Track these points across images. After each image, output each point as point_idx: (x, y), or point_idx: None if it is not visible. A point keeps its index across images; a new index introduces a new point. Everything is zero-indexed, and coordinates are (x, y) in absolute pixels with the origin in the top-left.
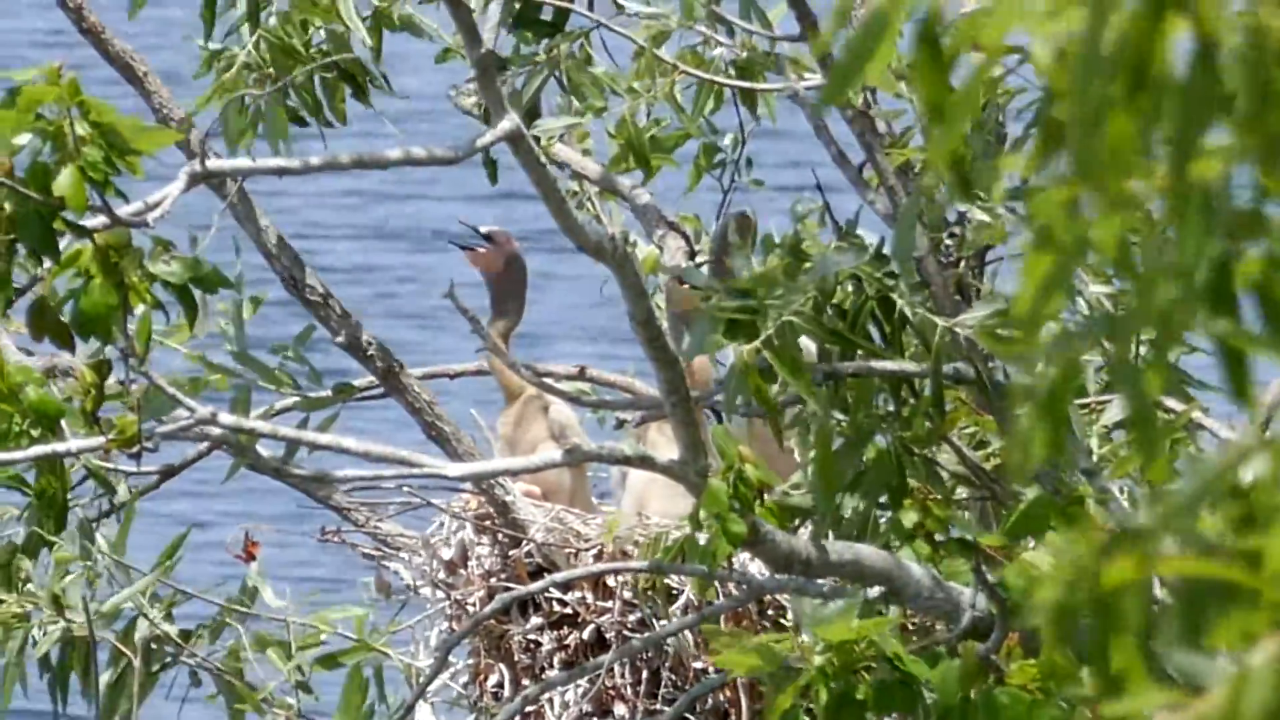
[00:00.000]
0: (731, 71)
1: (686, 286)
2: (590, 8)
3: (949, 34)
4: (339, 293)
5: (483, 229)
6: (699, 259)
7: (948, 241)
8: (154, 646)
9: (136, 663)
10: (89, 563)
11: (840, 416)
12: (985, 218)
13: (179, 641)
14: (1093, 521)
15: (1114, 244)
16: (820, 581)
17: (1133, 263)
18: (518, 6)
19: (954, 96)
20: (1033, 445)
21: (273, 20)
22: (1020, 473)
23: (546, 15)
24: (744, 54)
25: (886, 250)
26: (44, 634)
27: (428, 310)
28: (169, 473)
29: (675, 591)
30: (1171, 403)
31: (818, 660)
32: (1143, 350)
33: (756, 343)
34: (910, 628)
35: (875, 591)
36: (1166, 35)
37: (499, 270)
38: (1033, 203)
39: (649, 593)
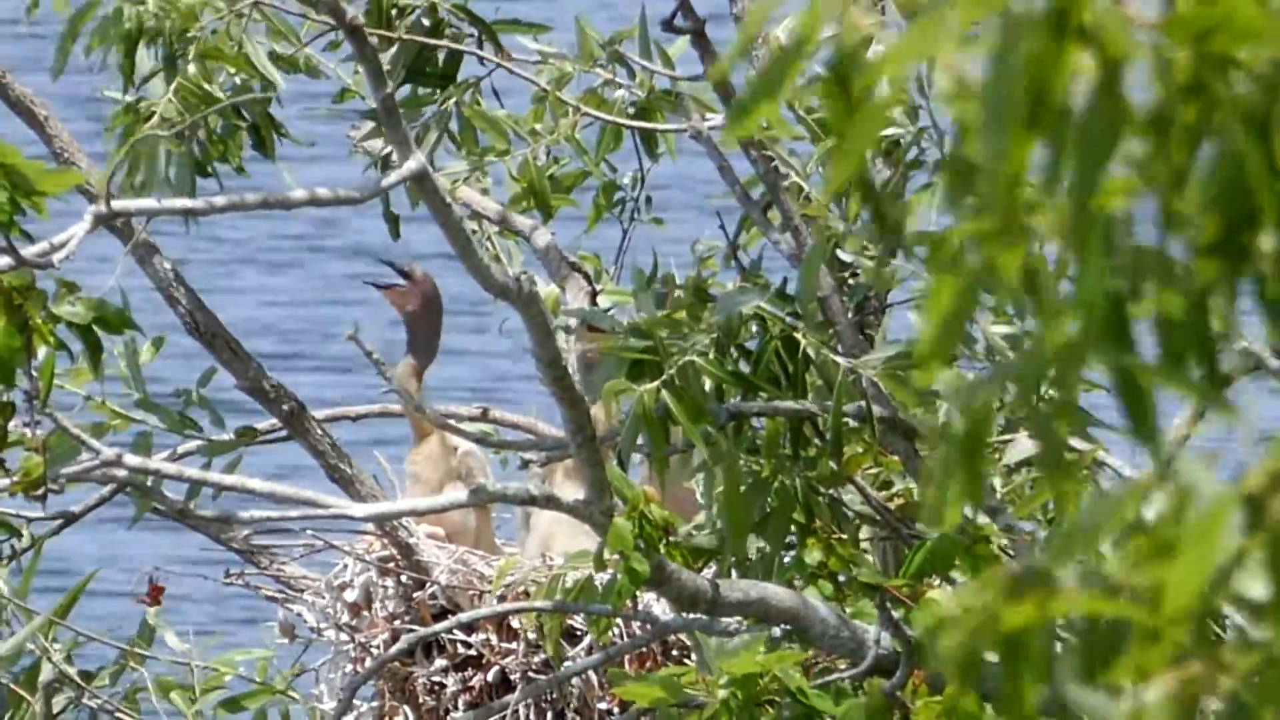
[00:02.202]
0: (631, 111)
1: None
2: (480, 59)
3: (859, 70)
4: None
5: (402, 265)
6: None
7: (851, 282)
8: (56, 688)
9: (37, 706)
10: None
11: (745, 457)
12: (871, 264)
13: (80, 683)
14: (997, 562)
15: (1018, 273)
16: (725, 621)
17: (1040, 292)
18: (410, 59)
19: (858, 118)
20: (949, 494)
21: (191, 68)
22: (938, 522)
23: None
24: (644, 94)
25: (791, 290)
26: None
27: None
28: (70, 518)
29: (579, 633)
30: (1075, 442)
31: (721, 693)
32: (1047, 391)
33: (656, 384)
34: (812, 666)
35: (780, 630)
36: (1068, 65)
37: (416, 308)
38: (937, 238)
39: (539, 631)
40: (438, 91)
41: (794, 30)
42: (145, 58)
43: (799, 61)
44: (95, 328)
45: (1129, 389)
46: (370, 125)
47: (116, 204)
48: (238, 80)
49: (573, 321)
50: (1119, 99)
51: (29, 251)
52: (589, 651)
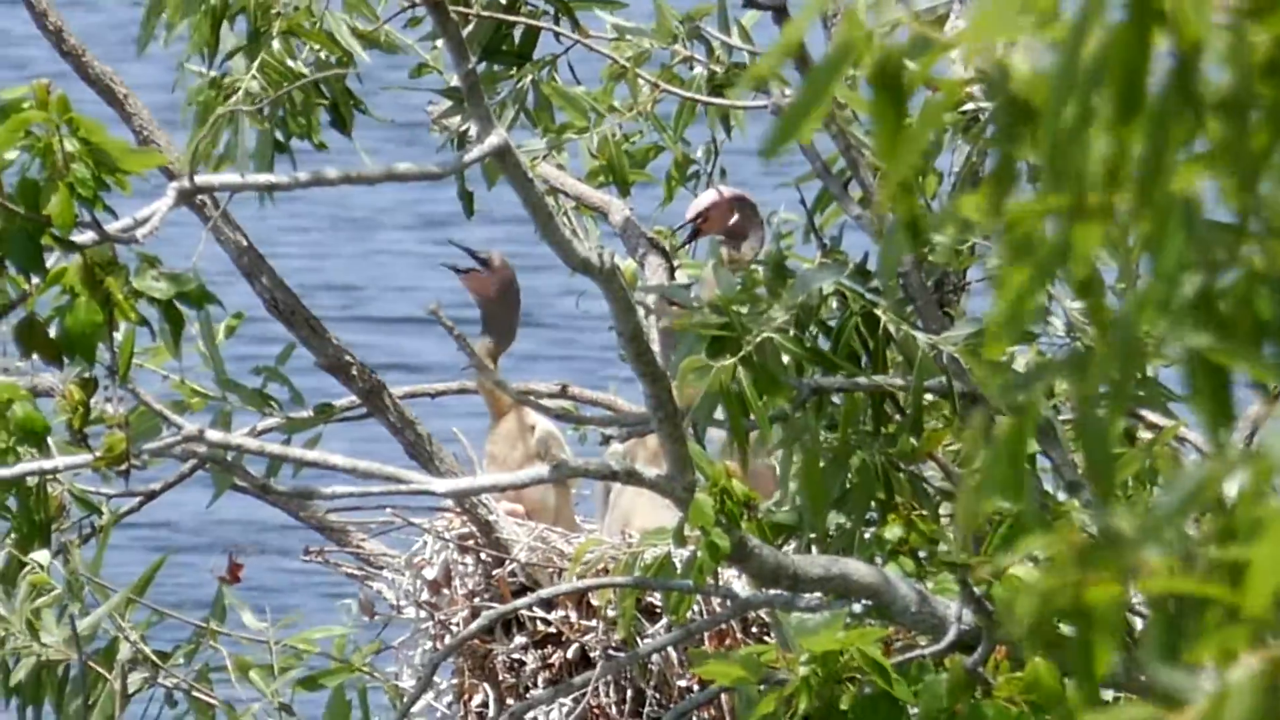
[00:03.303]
0: (703, 86)
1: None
2: (557, 36)
3: (906, 71)
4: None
5: (480, 252)
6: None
7: (930, 257)
8: (131, 666)
9: (116, 685)
10: (72, 581)
11: (825, 434)
12: (947, 241)
13: (157, 662)
14: (1072, 529)
15: (1092, 252)
16: (806, 597)
17: (1102, 304)
18: (486, 37)
19: (907, 133)
20: (988, 489)
21: (275, 44)
22: (971, 519)
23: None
24: (720, 70)
25: (871, 265)
26: (18, 660)
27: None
28: (151, 495)
29: (658, 610)
30: (1154, 417)
31: (802, 671)
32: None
33: (733, 361)
34: (893, 643)
35: (861, 605)
36: (1151, 48)
37: (493, 296)
38: (1009, 216)
39: (611, 608)
40: (513, 69)
41: (835, 39)
42: (227, 32)
43: (838, 76)
44: (176, 303)
45: (1206, 370)
46: (447, 102)
47: (199, 179)
48: (321, 56)
49: (651, 299)
50: (1196, 82)
51: (113, 227)
52: (668, 628)
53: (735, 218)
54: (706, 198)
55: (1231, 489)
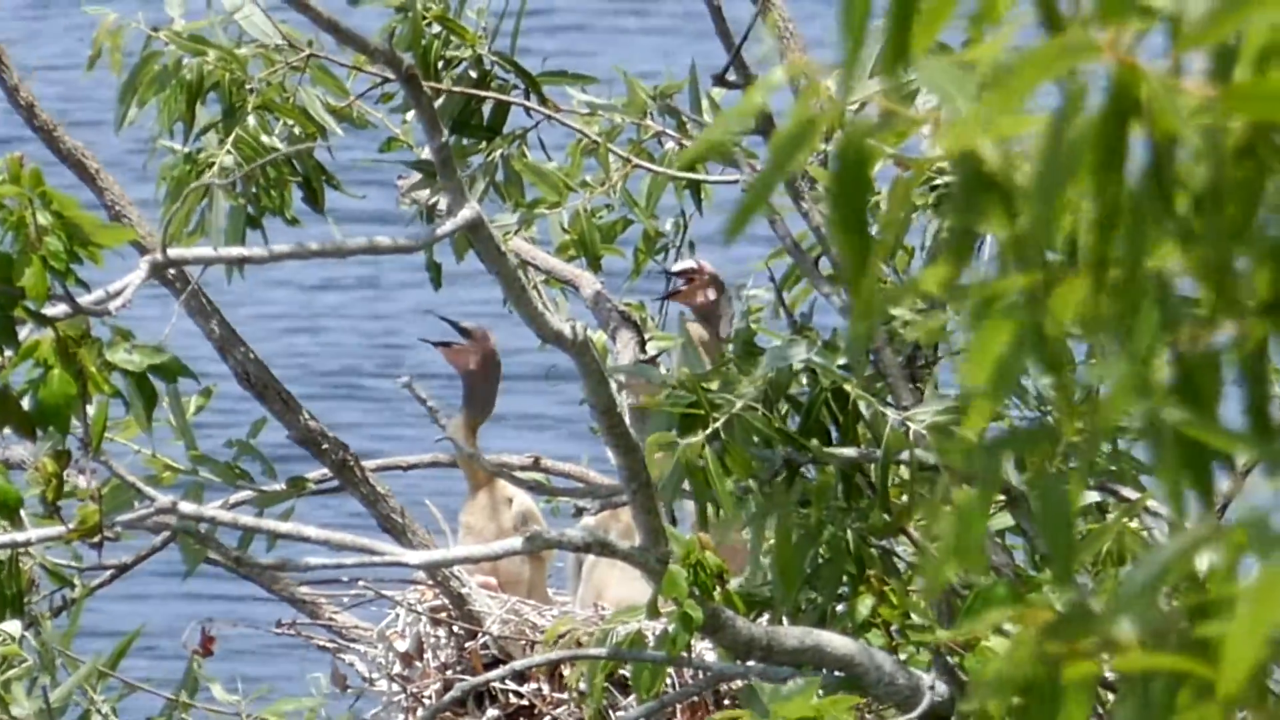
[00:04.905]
0: (673, 160)
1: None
2: (528, 111)
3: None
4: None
5: (463, 324)
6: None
7: (901, 332)
8: None
9: None
10: (43, 653)
11: (797, 509)
12: (915, 317)
13: None
14: (1041, 605)
15: (1069, 315)
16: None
17: (1068, 382)
18: (456, 111)
19: (866, 236)
20: (946, 565)
21: (251, 120)
22: (932, 591)
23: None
24: (691, 144)
25: (841, 342)
26: None
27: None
28: (123, 568)
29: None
30: (1125, 491)
31: None
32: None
33: (700, 439)
34: (865, 714)
35: (836, 676)
36: (1128, 139)
37: (475, 367)
38: (979, 293)
39: (582, 682)
40: (484, 143)
41: (784, 129)
42: (201, 109)
43: (802, 147)
44: (150, 375)
45: (1191, 449)
46: (417, 175)
47: (173, 253)
48: (295, 131)
49: (623, 377)
50: (1173, 172)
51: (85, 300)
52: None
53: (712, 294)
54: (692, 262)
55: (1203, 564)
